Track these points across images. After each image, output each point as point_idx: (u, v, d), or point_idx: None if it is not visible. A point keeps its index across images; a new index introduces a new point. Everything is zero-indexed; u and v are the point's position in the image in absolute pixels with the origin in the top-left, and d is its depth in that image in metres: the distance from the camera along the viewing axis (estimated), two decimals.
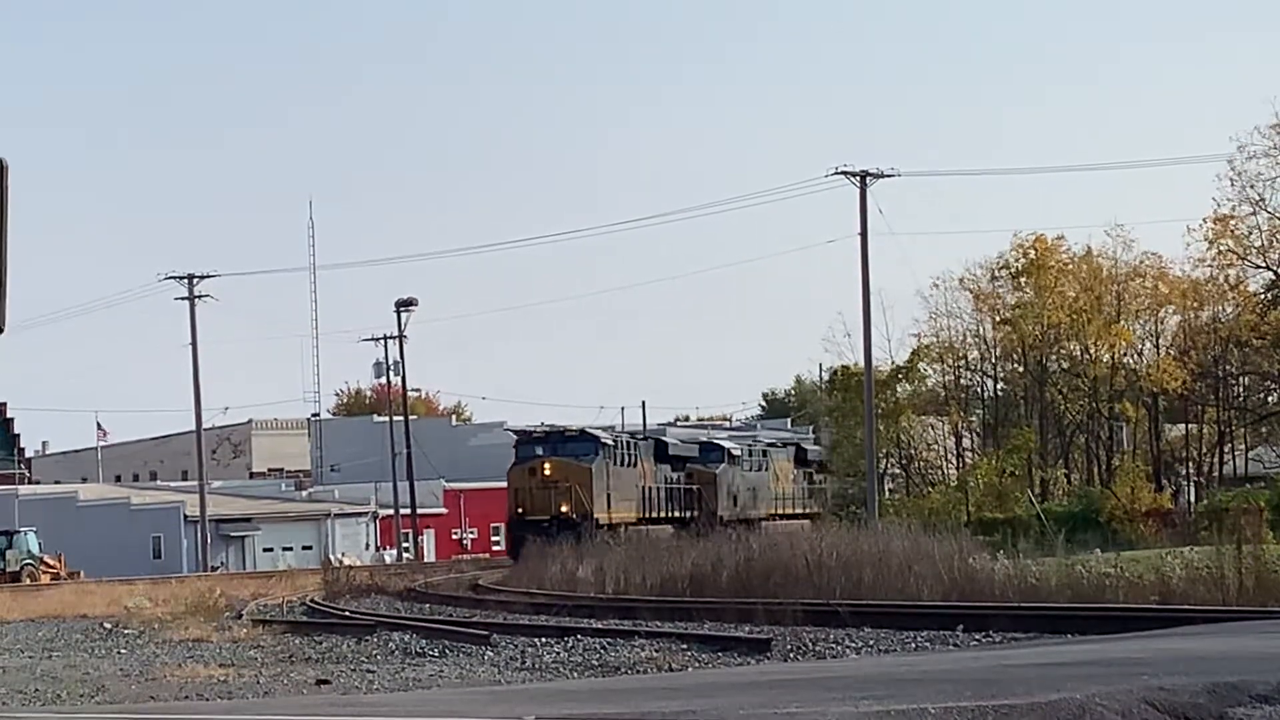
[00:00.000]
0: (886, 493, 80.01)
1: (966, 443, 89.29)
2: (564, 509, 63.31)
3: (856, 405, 76.26)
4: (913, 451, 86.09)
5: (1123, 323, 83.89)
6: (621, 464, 67.07)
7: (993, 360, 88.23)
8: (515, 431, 73.88)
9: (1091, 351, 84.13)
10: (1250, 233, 77.43)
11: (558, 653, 27.29)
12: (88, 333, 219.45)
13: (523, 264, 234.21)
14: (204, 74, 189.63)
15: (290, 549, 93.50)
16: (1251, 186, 75.54)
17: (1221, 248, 77.24)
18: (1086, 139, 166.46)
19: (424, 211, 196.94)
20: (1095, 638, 20.57)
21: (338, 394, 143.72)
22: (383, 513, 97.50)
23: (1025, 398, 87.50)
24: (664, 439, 77.13)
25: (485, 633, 30.59)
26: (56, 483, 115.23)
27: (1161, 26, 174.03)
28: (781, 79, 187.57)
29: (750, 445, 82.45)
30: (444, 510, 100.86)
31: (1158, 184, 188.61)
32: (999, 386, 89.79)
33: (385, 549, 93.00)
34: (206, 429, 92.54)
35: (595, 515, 63.06)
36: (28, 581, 70.98)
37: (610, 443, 67.49)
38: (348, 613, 39.85)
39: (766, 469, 79.81)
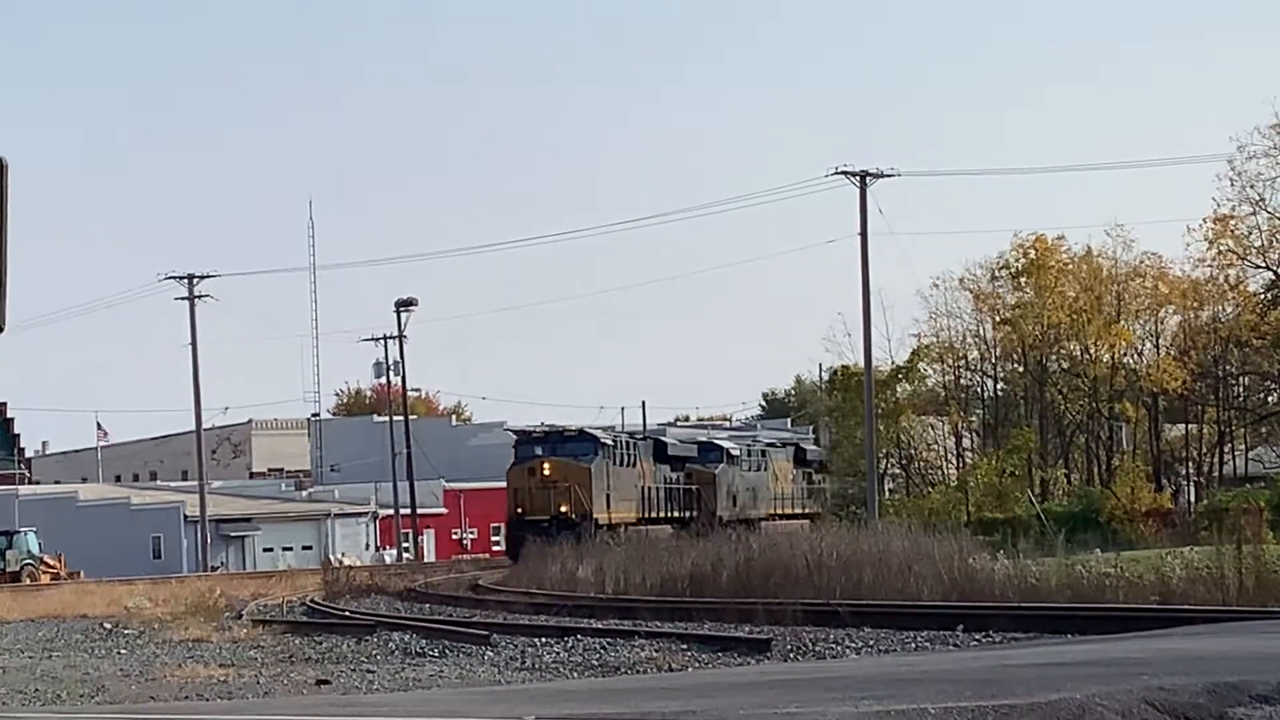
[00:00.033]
0: (886, 493, 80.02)
1: (966, 443, 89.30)
2: (563, 509, 63.29)
3: (856, 405, 76.26)
4: (913, 451, 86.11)
5: (1123, 323, 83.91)
6: (621, 464, 67.06)
7: (993, 360, 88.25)
8: (515, 431, 73.86)
9: (1091, 351, 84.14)
10: (1250, 233, 77.51)
11: (558, 653, 27.29)
12: (88, 333, 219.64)
13: (523, 264, 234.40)
14: (204, 74, 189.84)
15: (290, 549, 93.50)
16: (1251, 186, 75.66)
17: (1221, 248, 77.29)
18: (1086, 139, 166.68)
19: (424, 211, 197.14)
20: (1095, 638, 20.56)
21: (338, 394, 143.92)
22: (383, 513, 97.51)
23: (1025, 398, 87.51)
24: (663, 439, 77.10)
25: (485, 633, 30.58)
26: (56, 483, 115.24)
27: (1161, 26, 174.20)
28: (781, 79, 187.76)
29: (749, 445, 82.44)
30: (444, 510, 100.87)
31: (1158, 184, 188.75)
32: (999, 386, 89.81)
33: (385, 549, 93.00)
34: (206, 429, 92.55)
35: (594, 515, 63.05)
36: (28, 581, 70.97)
37: (609, 443, 67.48)
38: (348, 613, 39.84)
39: (765, 469, 79.80)
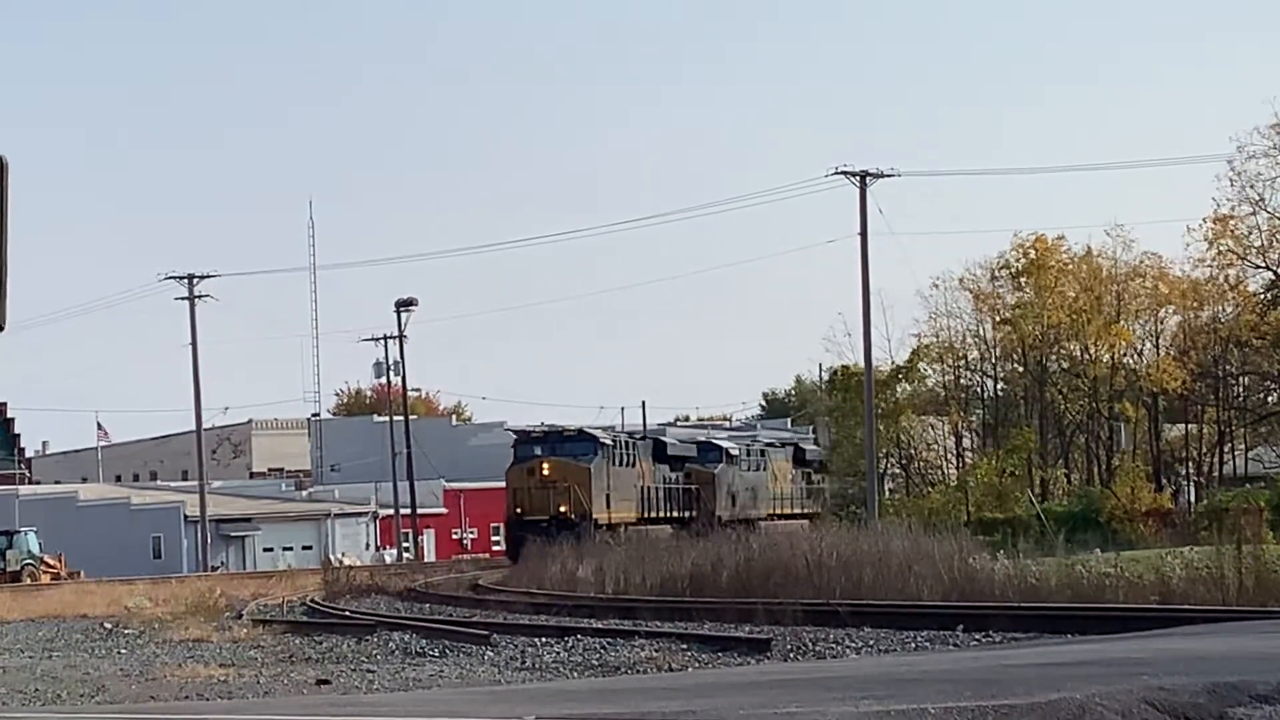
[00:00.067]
0: (886, 493, 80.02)
1: (966, 443, 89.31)
2: (562, 509, 63.27)
3: (856, 405, 76.26)
4: (913, 451, 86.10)
5: (1123, 323, 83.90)
6: (620, 464, 67.04)
7: (993, 360, 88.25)
8: (514, 431, 73.87)
9: (1091, 351, 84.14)
10: (1250, 233, 77.54)
11: (558, 653, 27.29)
12: (88, 333, 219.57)
13: (523, 264, 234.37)
14: (204, 74, 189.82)
15: (290, 549, 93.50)
16: (1251, 186, 75.69)
17: (1221, 248, 77.32)
18: (1086, 139, 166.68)
19: (424, 211, 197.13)
20: (1095, 638, 20.57)
21: (338, 394, 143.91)
22: (383, 513, 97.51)
23: (1025, 398, 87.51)
24: (662, 439, 77.09)
25: (485, 633, 30.59)
26: (56, 483, 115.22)
27: (1161, 26, 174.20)
28: (781, 79, 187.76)
29: (749, 445, 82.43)
30: (444, 510, 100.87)
31: (1158, 184, 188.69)
32: (999, 386, 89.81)
33: (385, 549, 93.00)
34: (206, 429, 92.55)
35: (594, 515, 63.04)
36: (28, 581, 70.97)
37: (609, 443, 67.45)
38: (348, 613, 39.85)
39: (765, 469, 79.79)
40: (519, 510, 64.56)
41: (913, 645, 25.87)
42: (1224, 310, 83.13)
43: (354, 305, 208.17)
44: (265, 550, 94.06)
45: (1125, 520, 68.78)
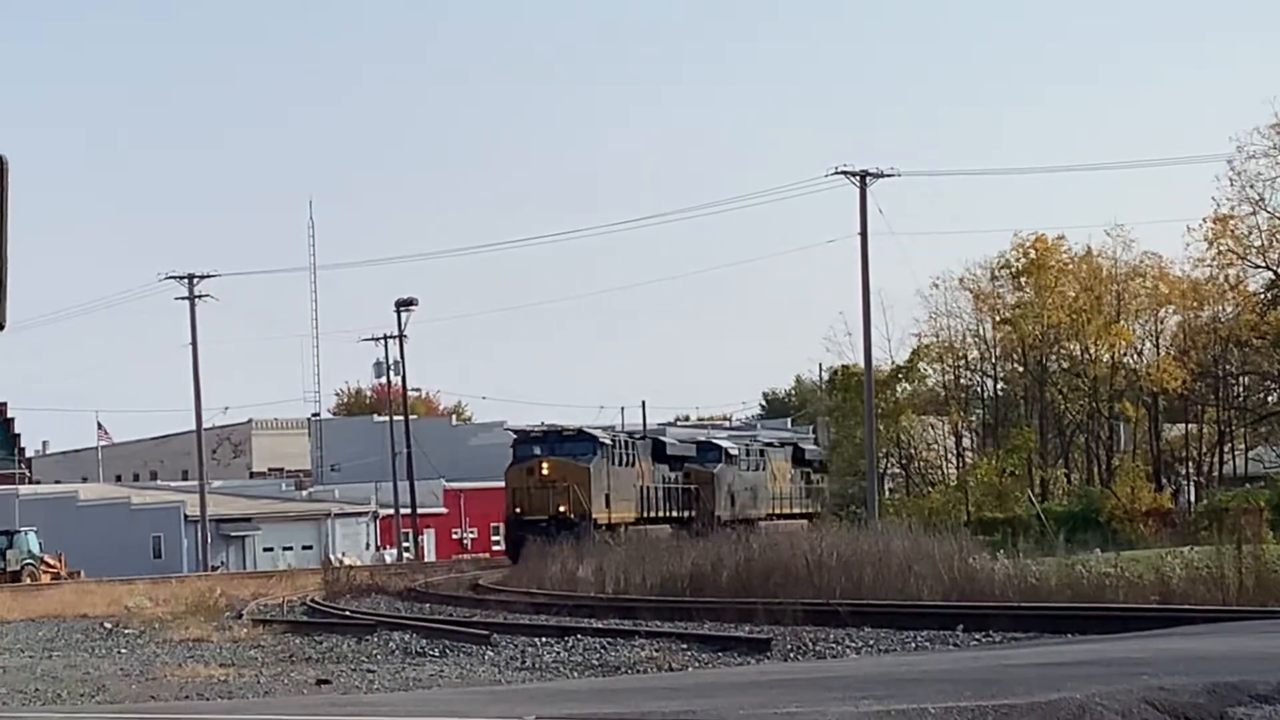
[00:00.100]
0: (886, 492, 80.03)
1: (966, 443, 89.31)
2: (562, 509, 63.24)
3: (856, 405, 76.27)
4: (913, 451, 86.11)
5: (1123, 323, 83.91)
6: (619, 464, 67.02)
7: (993, 360, 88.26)
8: (514, 431, 73.86)
9: (1091, 351, 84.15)
10: (1250, 233, 77.56)
11: (558, 652, 27.29)
12: (88, 333, 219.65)
13: (523, 264, 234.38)
14: (204, 74, 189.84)
15: (290, 549, 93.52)
16: (1251, 186, 75.71)
17: (1221, 247, 77.33)
18: (1086, 139, 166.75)
19: (424, 211, 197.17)
20: (1095, 638, 20.56)
21: (338, 394, 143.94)
22: (383, 512, 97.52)
23: (1025, 398, 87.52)
24: (662, 438, 77.09)
25: (485, 632, 30.59)
26: (57, 483, 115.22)
27: (1161, 26, 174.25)
28: (781, 79, 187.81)
29: (748, 445, 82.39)
30: (444, 510, 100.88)
31: (1158, 184, 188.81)
32: (999, 386, 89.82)
33: (385, 549, 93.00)
34: (206, 429, 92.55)
35: (593, 515, 63.02)
36: (28, 581, 70.99)
37: (608, 442, 67.43)
38: (348, 613, 39.85)
39: (764, 469, 79.76)
40: (518, 510, 64.54)
41: (913, 645, 25.87)
42: (1224, 310, 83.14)
43: (354, 305, 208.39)
44: (265, 550, 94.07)
45: (1125, 520, 68.79)
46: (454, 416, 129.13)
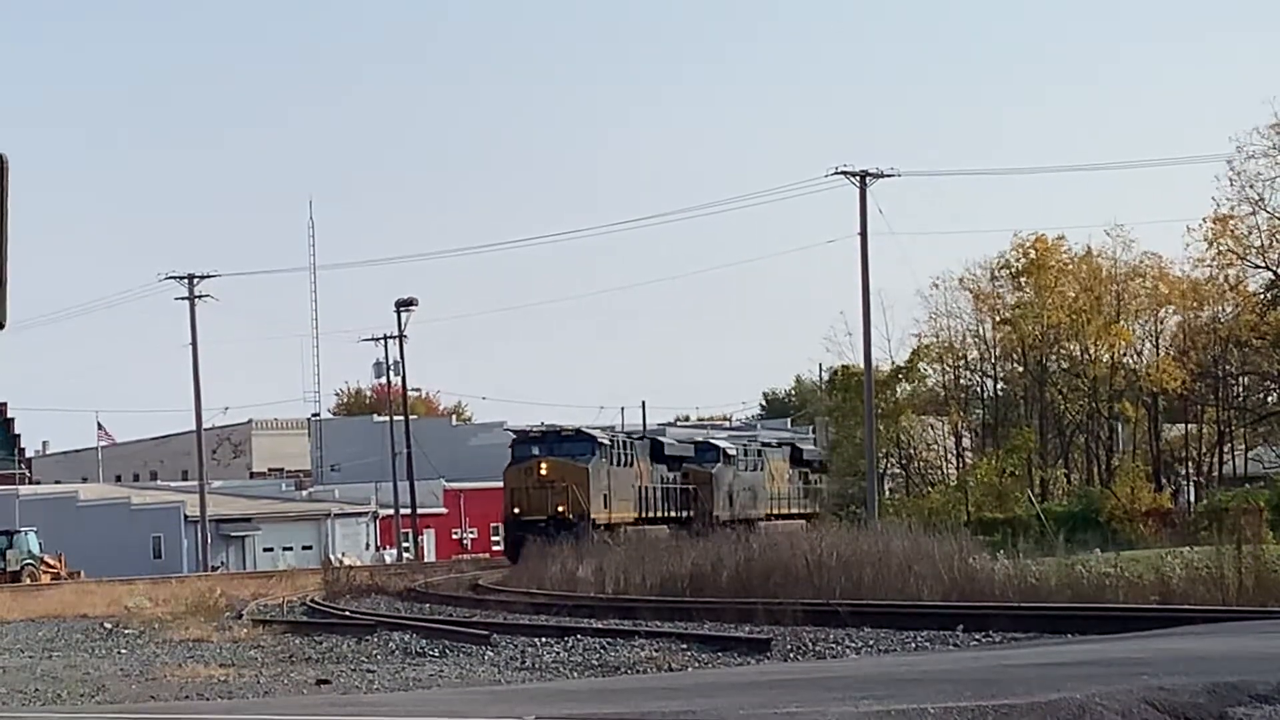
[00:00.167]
0: (886, 492, 80.00)
1: (966, 443, 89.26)
2: (560, 509, 63.27)
3: (856, 405, 76.23)
4: (912, 451, 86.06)
5: (1122, 323, 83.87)
6: (618, 464, 67.04)
7: (993, 360, 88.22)
8: (513, 431, 73.87)
9: (1091, 351, 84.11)
10: (1250, 233, 77.48)
11: (558, 653, 27.29)
12: (88, 333, 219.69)
13: (523, 264, 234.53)
14: (204, 74, 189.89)
15: (290, 549, 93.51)
16: (1251, 186, 75.63)
17: (1221, 248, 77.27)
18: (1086, 139, 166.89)
19: (424, 211, 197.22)
20: (1095, 638, 20.57)
21: (338, 394, 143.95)
22: (383, 513, 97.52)
23: (1025, 398, 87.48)
24: (660, 439, 77.13)
25: (485, 633, 30.59)
26: (57, 483, 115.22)
27: (1161, 26, 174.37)
28: (781, 79, 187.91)
29: (746, 445, 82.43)
30: (444, 510, 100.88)
31: (1158, 184, 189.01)
32: (999, 386, 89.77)
33: (385, 549, 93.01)
34: (206, 429, 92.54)
35: (592, 515, 63.05)
36: (28, 581, 70.98)
37: (607, 442, 67.45)
38: (348, 613, 39.85)
39: (762, 469, 79.78)
40: (517, 510, 64.56)
41: (913, 645, 25.87)
42: (1224, 310, 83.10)
43: (354, 305, 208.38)
44: (265, 550, 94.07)
45: (1125, 520, 68.75)
46: (454, 416, 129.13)
